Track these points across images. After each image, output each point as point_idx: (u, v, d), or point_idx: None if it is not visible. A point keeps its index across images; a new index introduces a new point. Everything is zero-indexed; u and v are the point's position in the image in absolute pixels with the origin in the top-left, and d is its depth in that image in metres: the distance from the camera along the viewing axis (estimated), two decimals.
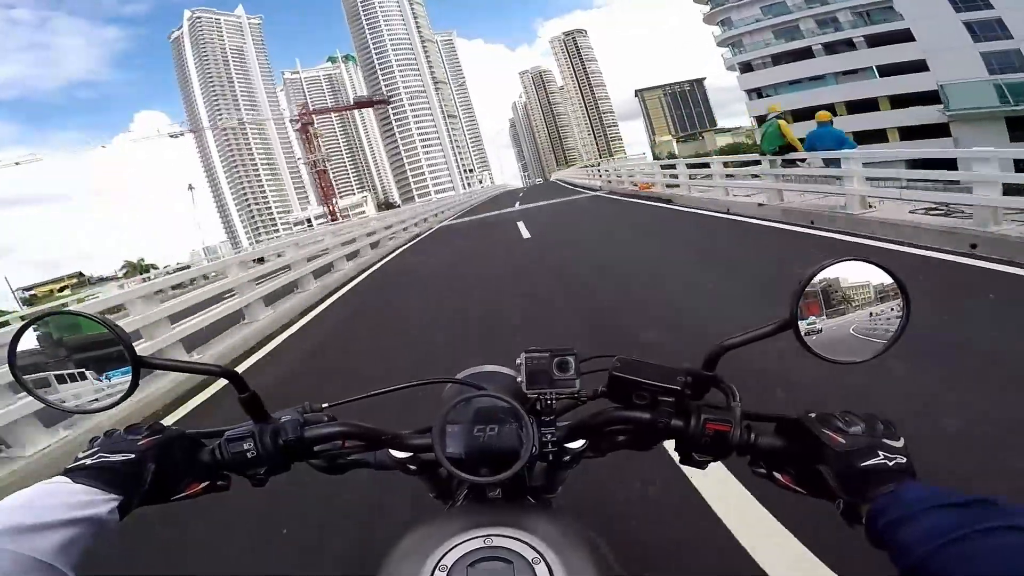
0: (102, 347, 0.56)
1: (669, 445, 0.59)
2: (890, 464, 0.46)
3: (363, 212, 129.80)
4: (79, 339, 0.57)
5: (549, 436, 0.58)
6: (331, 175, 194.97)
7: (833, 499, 0.48)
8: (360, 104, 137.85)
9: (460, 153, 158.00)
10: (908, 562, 0.39)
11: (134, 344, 0.49)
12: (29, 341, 0.55)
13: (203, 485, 0.59)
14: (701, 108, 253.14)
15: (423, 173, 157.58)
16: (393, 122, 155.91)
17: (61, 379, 0.56)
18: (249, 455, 0.57)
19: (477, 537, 0.48)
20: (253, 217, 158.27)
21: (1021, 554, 0.34)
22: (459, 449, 0.56)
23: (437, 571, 0.45)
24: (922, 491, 0.43)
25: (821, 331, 0.55)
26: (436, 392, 0.70)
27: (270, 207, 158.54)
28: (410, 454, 0.64)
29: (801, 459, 0.53)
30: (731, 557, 1.51)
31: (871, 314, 0.55)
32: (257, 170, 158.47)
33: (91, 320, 0.55)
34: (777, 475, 0.54)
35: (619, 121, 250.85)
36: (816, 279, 0.54)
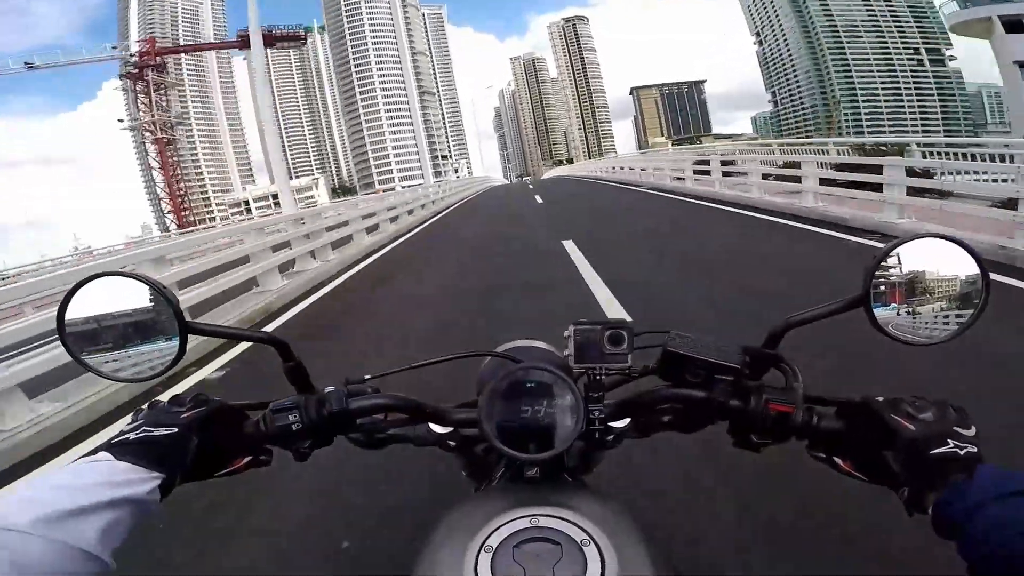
0: (151, 312, 0.54)
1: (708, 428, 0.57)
2: (961, 453, 0.44)
3: (313, 198, 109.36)
4: (128, 303, 0.54)
5: (597, 413, 0.55)
6: (268, 152, 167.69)
7: (897, 487, 0.46)
8: (248, 41, 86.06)
9: (434, 136, 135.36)
10: (979, 552, 0.37)
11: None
12: (77, 305, 0.53)
13: (246, 460, 0.57)
14: (697, 112, 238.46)
15: (387, 156, 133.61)
16: (357, 92, 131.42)
17: (108, 345, 0.55)
18: (295, 427, 0.55)
19: (523, 517, 0.46)
20: (183, 196, 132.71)
21: None
22: (504, 425, 0.53)
23: (483, 551, 0.44)
24: (994, 478, 0.41)
25: (893, 309, 0.52)
26: (468, 366, 0.67)
27: (204, 184, 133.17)
28: (450, 429, 0.62)
29: (864, 444, 0.50)
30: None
31: (947, 294, 0.52)
32: (192, 139, 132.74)
33: (141, 282, 0.53)
34: (837, 460, 0.52)
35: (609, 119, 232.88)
36: (892, 255, 0.52)
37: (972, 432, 0.46)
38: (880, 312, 0.52)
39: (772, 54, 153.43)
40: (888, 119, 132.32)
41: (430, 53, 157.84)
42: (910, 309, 0.52)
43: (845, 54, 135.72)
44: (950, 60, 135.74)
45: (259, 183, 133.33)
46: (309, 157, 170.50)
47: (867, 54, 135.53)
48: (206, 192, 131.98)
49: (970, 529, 0.38)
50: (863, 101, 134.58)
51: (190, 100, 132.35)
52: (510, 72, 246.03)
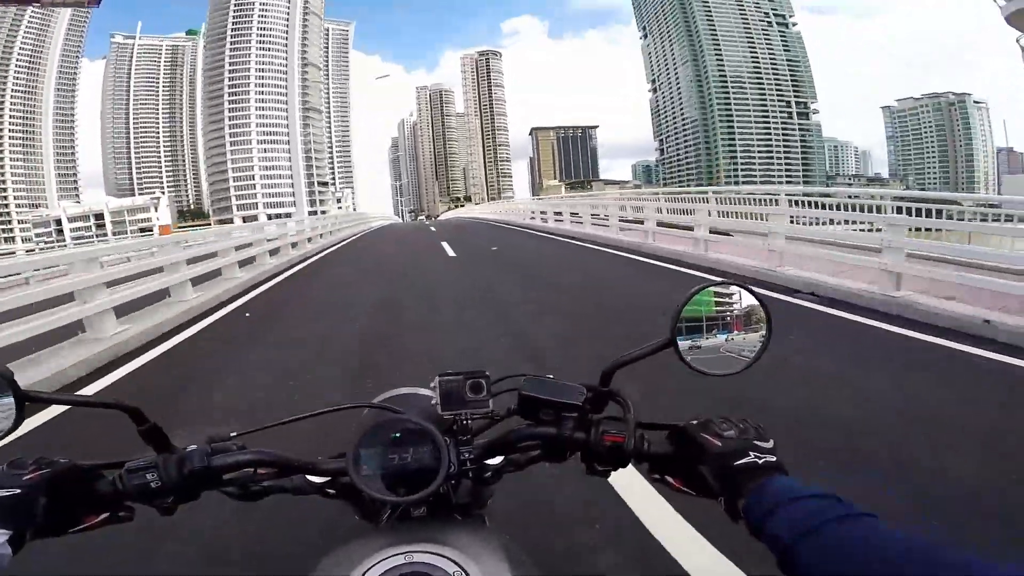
0: None
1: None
2: (760, 462, 0.51)
3: (149, 222, 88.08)
4: None
5: (467, 454, 0.60)
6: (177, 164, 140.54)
7: (716, 497, 0.53)
8: None
9: (314, 160, 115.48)
10: (780, 550, 0.43)
11: None
12: None
13: (103, 516, 0.56)
14: (588, 157, 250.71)
15: (252, 178, 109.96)
16: (225, 100, 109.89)
17: None
18: (153, 485, 0.55)
19: (398, 555, 0.48)
20: None
21: (869, 540, 0.40)
22: (378, 471, 0.56)
23: None
24: (782, 485, 0.48)
25: (697, 348, 0.61)
26: (355, 417, 0.70)
27: (6, 197, 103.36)
28: (327, 478, 0.64)
29: (687, 463, 0.57)
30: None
31: (740, 333, 0.62)
32: None
33: None
34: (669, 479, 0.59)
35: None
36: (692, 301, 0.60)
37: (770, 444, 0.54)
38: (686, 351, 0.60)
39: (665, 103, 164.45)
40: (759, 168, 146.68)
41: (327, 69, 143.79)
42: (709, 347, 0.62)
43: (730, 106, 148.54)
44: (813, 114, 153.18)
45: (87, 200, 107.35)
46: (161, 173, 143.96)
47: (748, 106, 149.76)
48: (7, 205, 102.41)
49: (769, 530, 0.44)
50: (740, 151, 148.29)
51: (10, 94, 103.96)
52: (414, 102, 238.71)
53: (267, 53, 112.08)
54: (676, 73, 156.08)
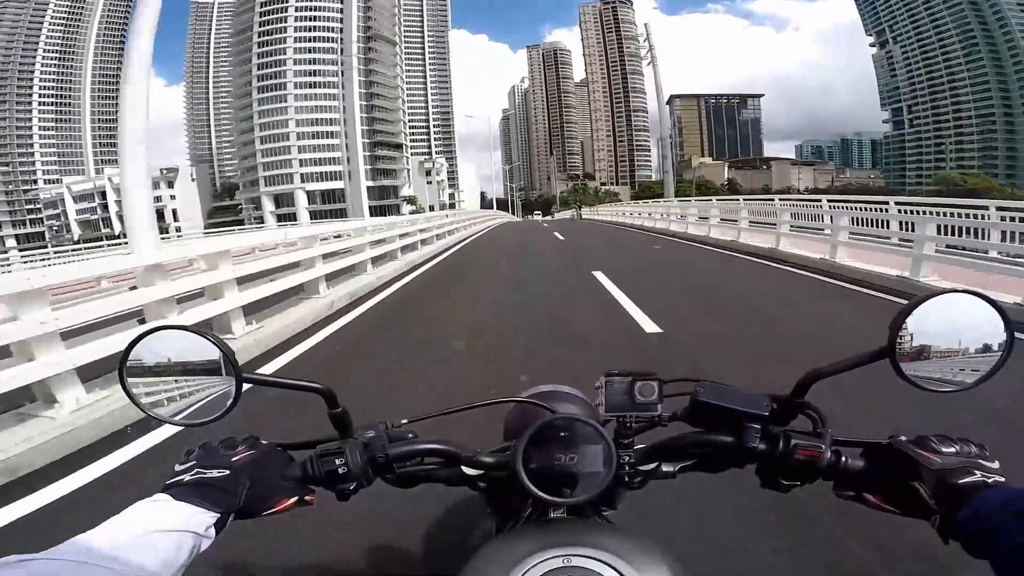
0: (207, 362, 0.58)
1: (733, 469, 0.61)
2: (989, 482, 0.47)
3: (159, 201, 64.25)
4: (186, 353, 0.59)
5: (627, 458, 0.60)
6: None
7: (928, 516, 0.50)
8: None
9: (380, 111, 79.15)
10: (1013, 565, 0.39)
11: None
12: (139, 354, 0.58)
13: (292, 500, 0.61)
14: (748, 131, 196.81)
15: (287, 137, 74.68)
16: (255, 29, 75.55)
17: (167, 391, 0.59)
18: (340, 471, 0.59)
19: (556, 556, 0.48)
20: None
21: None
22: (536, 469, 0.57)
23: None
24: (1017, 496, 0.43)
25: (916, 360, 0.56)
26: (494, 406, 0.72)
27: (34, 165, 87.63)
28: (482, 471, 0.65)
29: (891, 480, 0.54)
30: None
31: (971, 345, 0.55)
32: (29, 93, 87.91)
33: (198, 335, 0.57)
34: (868, 496, 0.56)
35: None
36: (917, 310, 0.54)
37: (996, 465, 0.51)
38: (905, 362, 0.55)
39: (909, 59, 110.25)
40: None
41: (421, 13, 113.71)
42: (930, 359, 0.56)
43: None
44: None
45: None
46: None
47: None
48: (35, 178, 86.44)
49: (1004, 544, 0.40)
50: None
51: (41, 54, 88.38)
52: (525, 64, 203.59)
53: None
54: (932, 18, 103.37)
